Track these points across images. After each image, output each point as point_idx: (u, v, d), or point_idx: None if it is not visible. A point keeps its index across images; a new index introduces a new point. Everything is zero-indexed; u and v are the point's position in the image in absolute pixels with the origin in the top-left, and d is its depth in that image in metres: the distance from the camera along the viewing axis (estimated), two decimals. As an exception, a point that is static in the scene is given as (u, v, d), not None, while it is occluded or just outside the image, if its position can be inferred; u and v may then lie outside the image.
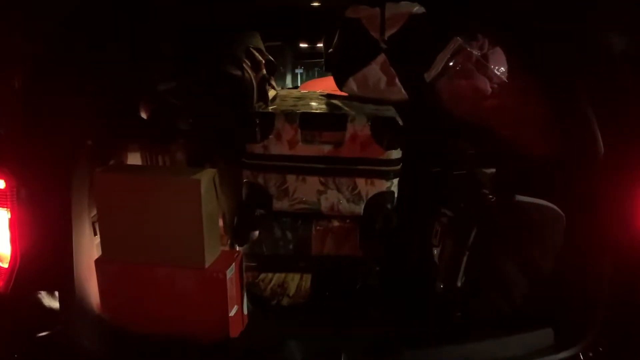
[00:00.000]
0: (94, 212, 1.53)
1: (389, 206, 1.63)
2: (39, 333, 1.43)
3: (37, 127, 1.40)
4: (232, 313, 1.54)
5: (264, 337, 1.59)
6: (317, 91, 2.02)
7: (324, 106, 1.69)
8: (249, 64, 1.70)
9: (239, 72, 1.64)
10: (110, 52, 1.54)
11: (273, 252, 1.69)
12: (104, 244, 1.54)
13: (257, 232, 1.67)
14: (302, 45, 2.43)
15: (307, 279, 1.71)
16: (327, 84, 2.04)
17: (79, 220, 1.51)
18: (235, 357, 1.48)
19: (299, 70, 2.62)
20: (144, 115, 1.63)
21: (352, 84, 1.78)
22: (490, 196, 1.51)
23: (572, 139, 1.55)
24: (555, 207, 1.49)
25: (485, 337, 1.48)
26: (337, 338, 1.52)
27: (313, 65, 2.75)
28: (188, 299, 1.53)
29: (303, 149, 1.60)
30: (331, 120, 1.60)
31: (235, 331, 1.57)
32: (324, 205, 1.63)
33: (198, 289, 1.52)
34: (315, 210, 1.64)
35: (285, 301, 1.72)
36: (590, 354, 1.42)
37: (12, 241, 1.37)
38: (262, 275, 1.70)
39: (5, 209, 1.37)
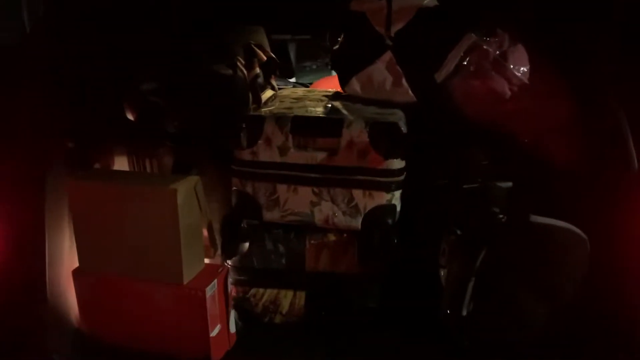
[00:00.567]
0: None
1: (389, 221, 1.47)
2: (11, 347, 1.36)
3: (6, 125, 1.32)
4: (213, 333, 1.43)
5: (250, 359, 1.49)
6: (324, 90, 1.86)
7: (321, 109, 1.54)
8: (243, 62, 1.56)
9: (229, 71, 1.50)
10: (90, 44, 1.44)
11: (264, 266, 1.56)
12: (80, 254, 1.46)
13: (247, 245, 1.54)
14: (314, 39, 2.27)
15: (301, 297, 1.57)
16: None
17: (56, 229, 1.43)
18: None
19: (312, 66, 2.46)
20: (130, 117, 1.53)
21: (355, 84, 1.61)
22: (501, 215, 1.32)
23: (602, 151, 1.35)
24: (577, 230, 1.30)
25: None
26: None
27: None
28: (167, 315, 1.43)
29: (295, 156, 1.45)
30: (325, 125, 1.44)
31: (219, 351, 1.47)
32: (318, 218, 1.49)
33: (177, 306, 1.41)
34: (309, 223, 1.50)
35: (278, 319, 1.60)
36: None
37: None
38: (253, 291, 1.58)
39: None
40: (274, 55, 1.74)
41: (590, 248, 1.31)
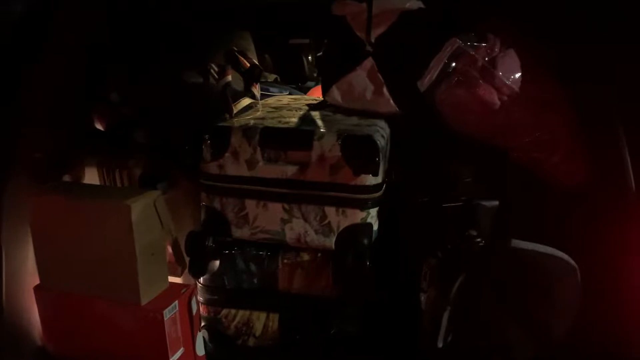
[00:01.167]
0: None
1: (365, 241, 1.36)
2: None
3: None
4: (175, 356, 1.35)
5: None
6: (311, 98, 1.76)
7: (295, 119, 1.44)
8: (216, 69, 1.48)
9: (199, 79, 1.43)
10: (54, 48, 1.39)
11: (236, 286, 1.47)
12: (40, 270, 1.41)
13: (217, 263, 1.45)
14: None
15: (275, 319, 1.48)
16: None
17: (16, 243, 1.38)
18: None
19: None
20: (99, 127, 1.47)
21: (335, 92, 1.51)
22: (479, 239, 1.20)
23: (598, 170, 1.21)
24: (565, 257, 1.16)
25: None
26: None
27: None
28: (128, 337, 1.37)
29: (264, 170, 1.35)
30: (295, 137, 1.34)
31: (182, 375, 1.39)
32: (289, 236, 1.39)
33: (135, 327, 1.34)
34: (280, 241, 1.40)
35: (251, 342, 1.50)
36: None
37: None
38: (225, 311, 1.49)
39: None
40: (257, 62, 1.66)
41: (581, 277, 1.17)
